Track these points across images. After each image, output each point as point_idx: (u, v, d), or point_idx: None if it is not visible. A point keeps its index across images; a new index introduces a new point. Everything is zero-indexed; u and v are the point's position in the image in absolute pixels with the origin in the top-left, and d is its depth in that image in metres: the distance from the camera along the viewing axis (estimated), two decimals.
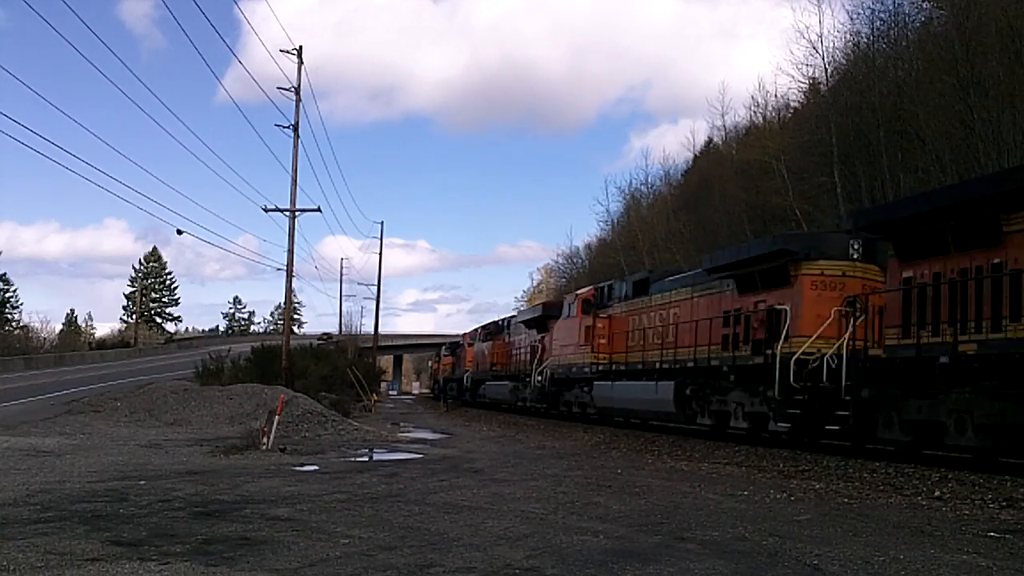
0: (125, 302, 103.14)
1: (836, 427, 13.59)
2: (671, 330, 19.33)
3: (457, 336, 59.46)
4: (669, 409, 18.82)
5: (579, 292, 25.84)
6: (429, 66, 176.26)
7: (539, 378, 28.15)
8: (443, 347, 59.07)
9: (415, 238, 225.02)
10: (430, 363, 79.01)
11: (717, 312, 17.47)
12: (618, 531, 6.53)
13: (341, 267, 69.44)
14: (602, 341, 23.15)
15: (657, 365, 19.58)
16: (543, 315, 30.20)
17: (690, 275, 19.82)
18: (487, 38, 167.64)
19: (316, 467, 11.47)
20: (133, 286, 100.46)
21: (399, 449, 15.62)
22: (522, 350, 32.67)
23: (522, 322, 33.45)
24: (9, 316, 79.82)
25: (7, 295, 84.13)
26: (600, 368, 23.01)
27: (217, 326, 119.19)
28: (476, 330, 44.46)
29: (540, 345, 29.48)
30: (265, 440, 13.27)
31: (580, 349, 24.19)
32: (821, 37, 35.26)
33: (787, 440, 15.50)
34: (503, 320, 40.33)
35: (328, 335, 71.17)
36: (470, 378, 42.48)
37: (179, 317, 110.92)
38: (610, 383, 22.15)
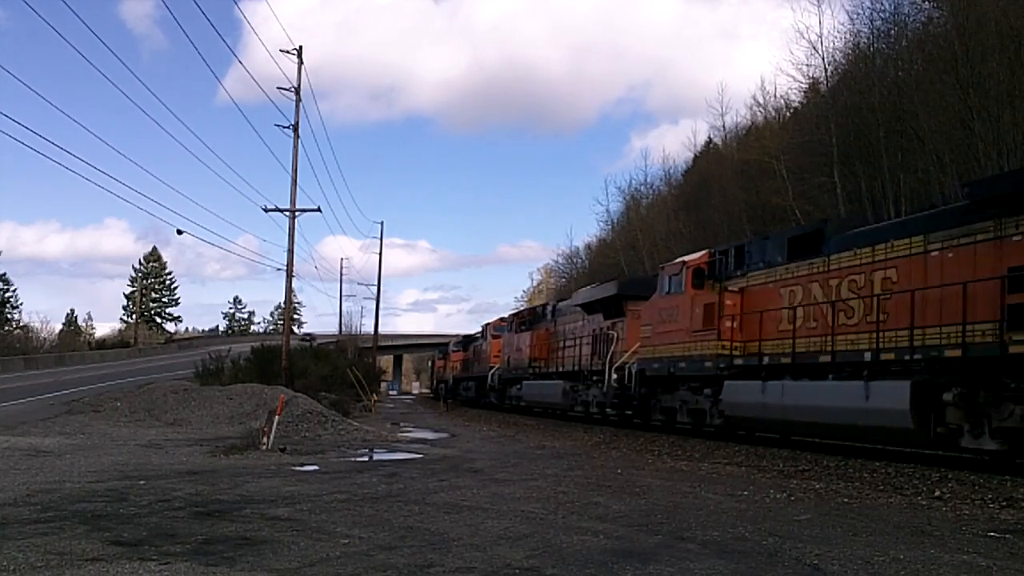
0: (125, 302, 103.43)
1: None
2: (889, 303, 13.03)
3: (456, 335, 59.05)
4: (899, 424, 12.15)
5: (687, 259, 18.88)
6: (430, 66, 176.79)
7: (615, 376, 21.73)
8: (451, 342, 53.75)
9: (415, 238, 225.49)
10: (430, 363, 78.31)
11: (991, 270, 11.29)
12: (618, 531, 6.53)
13: (341, 267, 69.66)
14: (731, 324, 16.72)
15: (867, 356, 13.21)
16: (618, 295, 23.26)
17: (919, 217, 13.66)
18: (488, 39, 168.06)
19: (316, 467, 11.46)
20: (133, 286, 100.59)
21: (399, 449, 15.61)
22: (580, 341, 25.92)
23: (580, 305, 26.40)
24: (9, 316, 79.91)
25: (7, 295, 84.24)
26: (736, 362, 16.50)
27: (217, 326, 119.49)
28: (506, 319, 38.84)
29: (612, 334, 23.04)
30: (265, 440, 13.27)
31: (694, 336, 17.72)
32: (821, 37, 35.31)
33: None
34: (544, 306, 33.95)
35: (310, 336, 71.14)
36: (498, 376, 35.77)
37: (179, 317, 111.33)
38: (758, 383, 15.45)
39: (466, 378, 44.84)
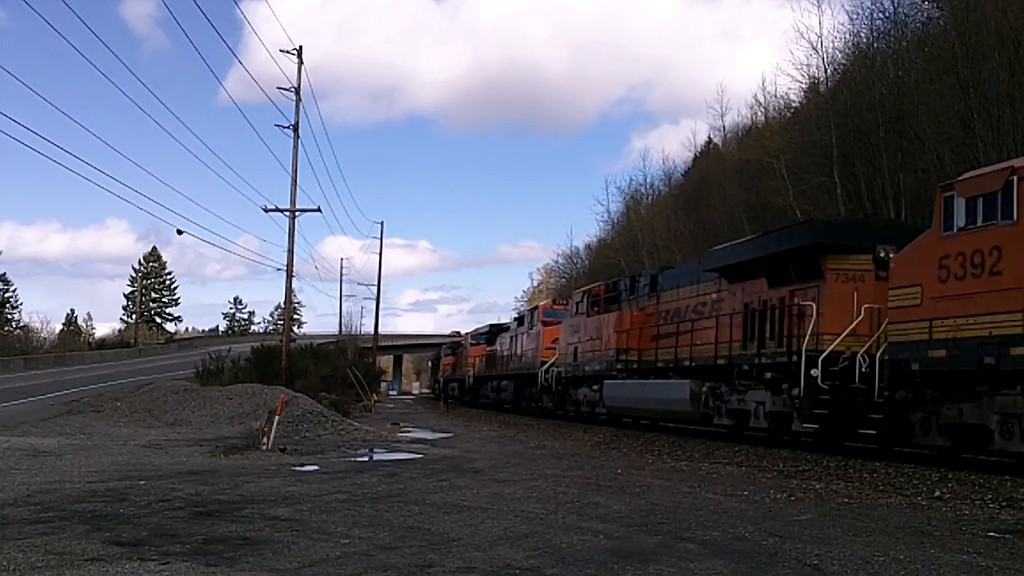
0: (125, 302, 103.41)
1: None
2: None
3: (458, 336, 58.73)
4: None
5: (1018, 165, 10.66)
6: (431, 67, 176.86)
7: (815, 372, 13.76)
8: (468, 334, 47.36)
9: (416, 238, 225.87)
10: (430, 363, 78.00)
11: None
12: (618, 531, 6.53)
13: (341, 267, 69.54)
14: None
15: None
16: (814, 245, 14.77)
17: None
18: (489, 39, 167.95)
19: (316, 467, 11.47)
20: (133, 286, 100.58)
21: (399, 449, 15.62)
22: (729, 320, 17.04)
23: (716, 270, 17.91)
24: (9, 316, 79.98)
25: (7, 295, 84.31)
26: None
27: (217, 326, 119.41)
28: (560, 301, 31.95)
29: (804, 306, 14.66)
30: (265, 440, 13.28)
31: None
32: (821, 38, 35.44)
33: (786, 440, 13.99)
34: (634, 277, 23.97)
35: (292, 337, 70.94)
36: (556, 374, 26.93)
37: (179, 317, 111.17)
38: None
39: (494, 377, 37.18)
